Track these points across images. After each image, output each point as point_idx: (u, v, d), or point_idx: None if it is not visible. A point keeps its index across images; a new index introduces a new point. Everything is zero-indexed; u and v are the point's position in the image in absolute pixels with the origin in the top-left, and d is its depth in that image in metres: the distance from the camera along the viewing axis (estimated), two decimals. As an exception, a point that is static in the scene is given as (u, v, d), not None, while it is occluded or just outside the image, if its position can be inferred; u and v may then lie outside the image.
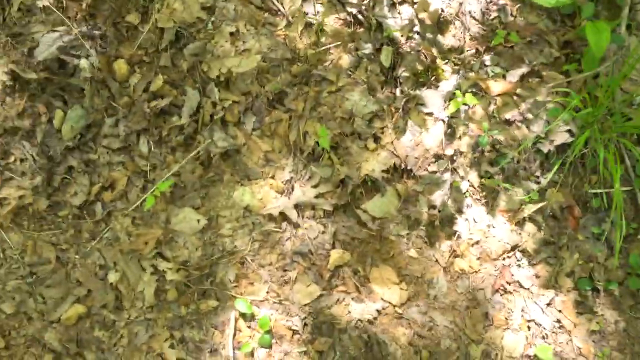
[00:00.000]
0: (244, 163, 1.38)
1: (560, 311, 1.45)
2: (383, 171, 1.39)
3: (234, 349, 1.26)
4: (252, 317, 1.30)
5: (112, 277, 1.28)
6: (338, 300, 1.35)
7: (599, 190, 1.48)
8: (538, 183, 1.49)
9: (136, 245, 1.29)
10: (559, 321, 1.44)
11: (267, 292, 1.33)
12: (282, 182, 1.37)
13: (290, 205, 1.35)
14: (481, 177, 1.46)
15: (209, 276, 1.31)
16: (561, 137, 1.44)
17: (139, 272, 1.29)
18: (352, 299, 1.37)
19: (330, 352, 1.29)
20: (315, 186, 1.37)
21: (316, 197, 1.36)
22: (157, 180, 1.32)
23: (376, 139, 1.43)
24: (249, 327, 1.31)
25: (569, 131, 1.43)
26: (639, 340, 1.46)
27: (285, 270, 1.34)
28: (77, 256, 1.28)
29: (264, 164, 1.38)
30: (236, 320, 1.30)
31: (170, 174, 1.33)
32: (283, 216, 1.37)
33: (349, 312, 1.34)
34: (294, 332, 1.30)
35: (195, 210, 1.34)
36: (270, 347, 1.27)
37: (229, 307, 1.30)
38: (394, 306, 1.38)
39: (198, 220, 1.33)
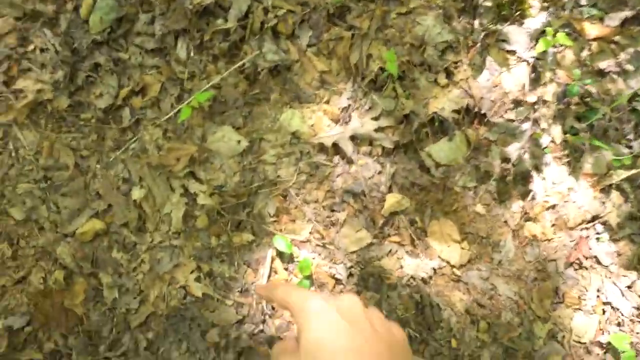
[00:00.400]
0: (296, 83, 1.21)
1: (640, 297, 1.27)
2: (454, 111, 1.22)
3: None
4: (291, 259, 1.14)
5: (137, 193, 1.12)
6: (390, 251, 1.18)
7: (698, 164, 1.30)
8: (630, 147, 1.31)
9: (166, 161, 1.13)
10: (639, 308, 1.26)
11: (311, 233, 1.17)
12: (338, 109, 1.20)
13: (345, 136, 1.19)
14: (565, 132, 1.29)
15: (246, 206, 1.15)
16: (665, 95, 1.26)
17: (167, 192, 1.13)
18: (406, 252, 1.20)
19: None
20: (375, 118, 1.21)
21: (376, 130, 1.20)
22: (195, 91, 1.17)
23: (449, 74, 1.26)
24: (286, 269, 1.14)
25: (676, 87, 1.25)
26: None
27: (332, 210, 1.18)
28: (98, 165, 1.13)
29: (318, 86, 1.22)
30: (272, 259, 1.13)
31: (210, 85, 1.17)
32: (336, 148, 1.20)
33: (401, 266, 1.18)
34: (337, 281, 1.14)
35: (236, 130, 1.18)
36: (308, 294, 1.10)
37: (266, 244, 1.14)
38: (452, 267, 1.21)
39: (238, 142, 1.17)
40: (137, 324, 1.05)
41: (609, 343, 1.23)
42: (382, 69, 1.21)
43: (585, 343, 1.23)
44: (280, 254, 1.14)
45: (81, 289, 1.06)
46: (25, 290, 1.05)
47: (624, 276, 1.26)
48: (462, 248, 1.21)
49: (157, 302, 1.06)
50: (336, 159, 1.19)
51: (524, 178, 1.27)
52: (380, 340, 0.64)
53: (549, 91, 1.28)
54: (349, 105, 1.22)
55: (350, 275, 1.14)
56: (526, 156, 1.27)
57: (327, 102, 1.21)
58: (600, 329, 1.24)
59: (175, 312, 1.06)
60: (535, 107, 1.28)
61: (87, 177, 1.12)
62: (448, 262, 1.20)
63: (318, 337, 0.60)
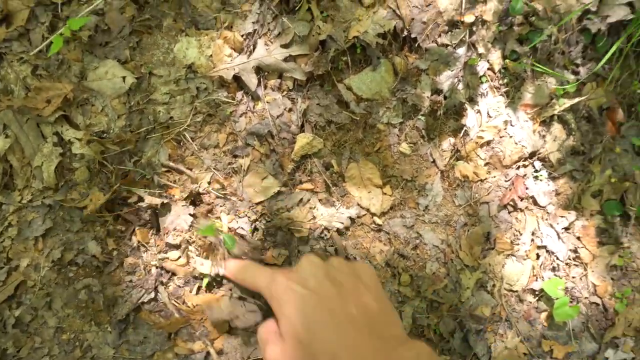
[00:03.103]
0: (192, 5, 1.20)
1: (578, 238, 1.39)
2: (379, 35, 1.24)
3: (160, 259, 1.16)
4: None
5: (0, 143, 1.14)
6: (301, 200, 1.24)
7: (651, 91, 1.38)
8: (576, 74, 1.37)
9: (34, 103, 1.14)
10: (575, 250, 1.38)
11: (210, 183, 1.21)
12: (242, 35, 1.21)
13: (249, 67, 1.20)
14: (505, 57, 1.33)
15: (133, 154, 1.17)
16: (617, 13, 1.30)
17: (38, 141, 1.14)
18: (320, 200, 1.26)
19: (285, 268, 1.21)
20: (285, 46, 1.22)
21: (285, 60, 1.21)
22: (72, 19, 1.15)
23: (374, -8, 1.26)
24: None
25: (630, 5, 1.30)
26: (667, 281, 1.43)
27: (235, 156, 1.22)
28: (-50, 110, 1.13)
29: (218, 8, 1.21)
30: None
31: (89, 11, 1.16)
32: (238, 83, 1.22)
33: (314, 217, 1.24)
34: (241, 237, 1.21)
35: (121, 65, 1.17)
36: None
37: (159, 198, 1.19)
38: (373, 215, 1.29)
39: (124, 78, 1.18)
40: (4, 298, 1.11)
41: (542, 290, 1.36)
42: (293, -14, 1.21)
43: (517, 291, 1.36)
44: (176, 208, 1.18)
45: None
46: None
47: (562, 217, 1.37)
48: (384, 193, 1.29)
49: (28, 271, 1.12)
50: (239, 95, 1.21)
51: (456, 112, 1.33)
52: (348, 297, 0.81)
53: (489, 9, 1.30)
54: (255, 30, 1.22)
55: (256, 230, 1.21)
56: (460, 86, 1.32)
57: (229, 27, 1.21)
58: (534, 275, 1.37)
59: (51, 281, 1.12)
60: (473, 28, 1.31)
61: (-61, 124, 1.12)
62: (368, 210, 1.28)
63: (292, 321, 0.76)
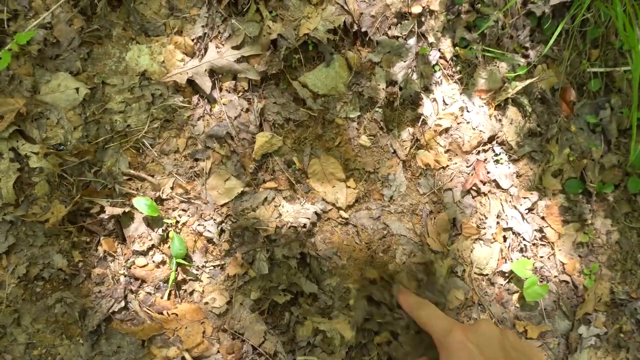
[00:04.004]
0: (141, 13, 1.28)
1: (543, 218, 1.49)
2: (329, 31, 1.33)
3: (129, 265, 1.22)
4: (158, 221, 1.26)
5: (-45, 162, 1.19)
6: (266, 199, 1.31)
7: (600, 69, 1.50)
8: (526, 57, 1.48)
9: (-12, 120, 1.20)
10: (541, 230, 1.48)
11: (172, 188, 1.28)
12: (192, 39, 1.29)
13: (202, 70, 1.28)
14: (455, 45, 1.44)
15: (93, 165, 1.23)
16: (560, -5, 1.42)
17: (-6, 158, 1.21)
18: (285, 198, 1.34)
19: (253, 267, 1.28)
20: (237, 47, 1.30)
21: (238, 61, 1.30)
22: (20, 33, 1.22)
23: (321, -11, 1.35)
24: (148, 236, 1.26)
25: (571, -14, 1.41)
26: (633, 255, 1.53)
27: (196, 160, 1.29)
28: None
29: (167, 15, 1.29)
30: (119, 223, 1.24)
31: (36, 24, 1.23)
32: (193, 87, 1.29)
33: (280, 215, 1.32)
34: (208, 240, 1.28)
35: (74, 77, 1.24)
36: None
37: (121, 207, 1.25)
38: (339, 209, 1.37)
39: (77, 90, 1.24)
40: None
41: (512, 272, 1.46)
42: (240, -12, 1.29)
43: (487, 274, 1.45)
44: (144, 219, 1.25)
45: None
46: None
47: (525, 198, 1.47)
48: (348, 187, 1.37)
49: (-8, 289, 1.16)
50: (195, 99, 1.29)
51: (412, 102, 1.42)
52: None
53: (435, 0, 1.42)
54: (205, 34, 1.30)
55: (222, 231, 1.28)
56: (414, 77, 1.42)
57: (179, 32, 1.29)
58: (503, 258, 1.46)
59: (18, 297, 1.17)
60: (422, 19, 1.40)
61: None
62: (333, 205, 1.36)
63: None
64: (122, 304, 1.13)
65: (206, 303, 1.18)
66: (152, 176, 1.18)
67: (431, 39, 1.31)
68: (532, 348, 0.99)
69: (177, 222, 1.16)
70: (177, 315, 1.12)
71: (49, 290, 1.11)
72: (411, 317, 1.08)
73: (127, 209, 1.15)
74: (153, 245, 1.14)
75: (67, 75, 1.18)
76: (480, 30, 1.32)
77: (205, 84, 1.19)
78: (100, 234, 1.14)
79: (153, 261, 1.15)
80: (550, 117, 1.39)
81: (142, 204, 1.12)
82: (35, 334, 1.10)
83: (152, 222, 1.17)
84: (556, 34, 1.30)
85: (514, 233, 1.37)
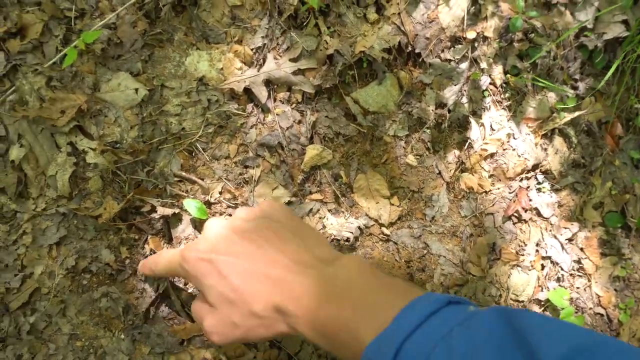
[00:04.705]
0: (203, 20, 1.31)
1: (582, 249, 1.49)
2: (384, 50, 1.36)
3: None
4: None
5: (15, 153, 1.21)
6: (311, 210, 1.34)
7: (648, 106, 1.51)
8: (575, 88, 1.49)
9: (49, 114, 1.22)
10: (579, 261, 1.48)
11: (221, 193, 1.31)
12: (252, 49, 1.32)
13: (259, 80, 1.31)
14: (506, 72, 1.46)
15: (146, 164, 1.26)
16: (613, 30, 1.43)
17: (52, 151, 1.23)
18: (329, 210, 1.36)
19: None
20: (294, 59, 1.33)
21: (294, 73, 1.32)
22: (86, 32, 1.25)
23: (379, 8, 1.38)
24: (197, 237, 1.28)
25: (625, 22, 1.44)
26: (669, 293, 1.53)
27: (246, 167, 1.32)
28: (-34, 120, 1.21)
29: (229, 23, 1.32)
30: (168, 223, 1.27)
31: (102, 24, 1.26)
32: (249, 95, 1.32)
33: (324, 226, 1.34)
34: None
35: (134, 77, 1.27)
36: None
37: (171, 208, 1.27)
38: (381, 225, 1.38)
39: (136, 90, 1.27)
40: (19, 305, 1.18)
41: (548, 300, 1.46)
42: (302, 2, 1.32)
43: (523, 301, 1.46)
44: (192, 221, 1.28)
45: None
46: None
47: (565, 228, 1.48)
48: (392, 204, 1.39)
49: (43, 278, 1.20)
50: (249, 107, 1.32)
51: (460, 125, 1.44)
52: (265, 243, 0.86)
53: (490, 26, 1.43)
54: (264, 44, 1.33)
55: (267, 238, 1.30)
56: (464, 100, 1.44)
57: (239, 41, 1.32)
58: (539, 286, 1.47)
59: (65, 288, 1.20)
60: (475, 45, 1.43)
61: (-45, 135, 1.21)
62: (376, 221, 1.37)
63: (216, 289, 0.81)
64: (165, 303, 1.14)
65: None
66: (202, 179, 1.20)
67: (483, 64, 1.33)
68: (265, 205, 0.95)
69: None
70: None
71: (95, 283, 1.13)
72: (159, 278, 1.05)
73: (176, 210, 1.16)
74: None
75: (127, 75, 1.20)
76: (532, 60, 1.34)
77: (261, 93, 1.21)
78: (149, 232, 1.16)
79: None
80: (595, 150, 1.40)
81: (192, 206, 1.14)
82: (79, 326, 1.12)
83: (199, 225, 1.18)
84: (612, 69, 1.31)
85: (552, 262, 1.38)
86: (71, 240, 1.16)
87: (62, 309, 1.14)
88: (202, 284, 0.86)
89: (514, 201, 1.36)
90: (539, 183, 1.39)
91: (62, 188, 1.15)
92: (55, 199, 1.16)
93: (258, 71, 1.24)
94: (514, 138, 1.36)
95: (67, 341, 1.13)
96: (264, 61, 1.25)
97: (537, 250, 1.37)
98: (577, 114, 1.37)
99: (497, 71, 1.35)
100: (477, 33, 1.33)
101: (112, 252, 1.16)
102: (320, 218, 1.25)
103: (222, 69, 1.24)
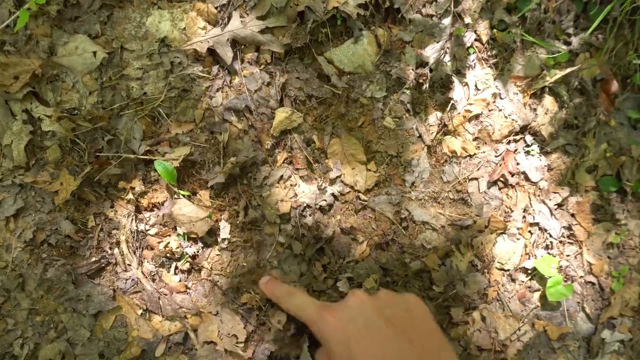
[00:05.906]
0: (163, -24, 1.23)
1: (573, 215, 1.41)
2: (359, 6, 1.26)
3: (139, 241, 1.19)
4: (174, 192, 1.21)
5: (-32, 121, 1.16)
6: (282, 177, 1.27)
7: (647, 61, 1.40)
8: (568, 44, 1.39)
9: (2, 80, 1.16)
10: (569, 228, 1.40)
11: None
12: (216, 7, 1.23)
13: (224, 40, 1.22)
14: (493, 27, 1.36)
15: (107, 132, 1.21)
16: (609, -21, 1.32)
17: (7, 119, 1.17)
18: (302, 177, 1.29)
19: (265, 248, 1.24)
20: (262, 17, 1.24)
21: (262, 32, 1.24)
22: (38, -9, 1.17)
23: (353, -40, 1.28)
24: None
25: (622, -30, 1.31)
26: (666, 259, 1.45)
27: (212, 132, 1.25)
28: None
29: (191, -20, 1.24)
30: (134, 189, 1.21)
31: (56, -17, 1.18)
32: (214, 57, 1.24)
33: (296, 194, 1.27)
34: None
35: (92, 40, 1.20)
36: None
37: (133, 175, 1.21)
38: (357, 192, 1.31)
39: (95, 53, 1.20)
40: None
41: (535, 268, 1.39)
42: (269, -45, 1.23)
43: (509, 270, 1.38)
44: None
45: None
46: None
47: (555, 193, 1.40)
48: (369, 170, 1.31)
49: (0, 252, 1.14)
50: (215, 69, 1.24)
51: (443, 85, 1.35)
52: (400, 333, 0.85)
53: (474, -23, 1.33)
54: (229, 1, 1.24)
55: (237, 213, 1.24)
56: (446, 59, 1.34)
57: (203, -1, 1.24)
58: (527, 254, 1.39)
59: (23, 262, 1.15)
60: (459, -3, 1.33)
61: None
62: (352, 187, 1.30)
63: (339, 352, 0.81)
64: (127, 275, 1.09)
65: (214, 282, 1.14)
66: (169, 145, 1.13)
67: (467, 19, 1.24)
68: (407, 297, 0.93)
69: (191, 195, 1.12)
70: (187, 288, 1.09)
71: (54, 256, 1.08)
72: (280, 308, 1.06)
73: (141, 177, 1.10)
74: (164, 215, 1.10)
75: (85, 37, 1.14)
76: (521, 13, 1.24)
77: (227, 54, 1.14)
78: (112, 202, 1.10)
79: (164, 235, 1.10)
80: (589, 110, 1.31)
81: (160, 167, 1.07)
82: (38, 300, 1.07)
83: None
84: (599, 18, 1.21)
85: (540, 229, 1.30)
86: (29, 212, 1.11)
87: (21, 283, 1.10)
88: (332, 349, 0.87)
89: (500, 165, 1.28)
90: (527, 145, 1.30)
91: (18, 158, 1.10)
92: (12, 170, 1.10)
93: (222, 30, 1.17)
94: (501, 98, 1.28)
95: (26, 316, 1.10)
96: (229, 19, 1.17)
97: (524, 217, 1.30)
98: (568, 70, 1.28)
99: (483, 26, 1.26)
100: (461, -15, 1.22)
101: (73, 223, 1.10)
102: (291, 185, 1.18)
103: (184, 28, 1.16)
